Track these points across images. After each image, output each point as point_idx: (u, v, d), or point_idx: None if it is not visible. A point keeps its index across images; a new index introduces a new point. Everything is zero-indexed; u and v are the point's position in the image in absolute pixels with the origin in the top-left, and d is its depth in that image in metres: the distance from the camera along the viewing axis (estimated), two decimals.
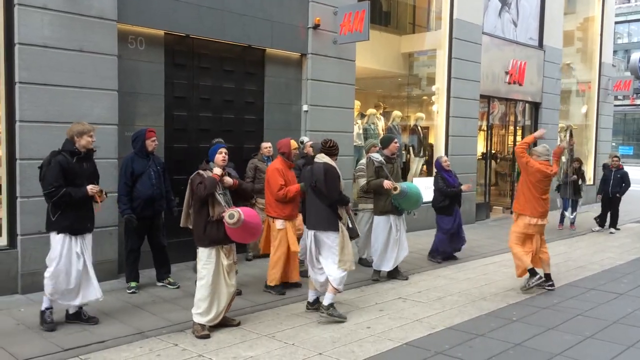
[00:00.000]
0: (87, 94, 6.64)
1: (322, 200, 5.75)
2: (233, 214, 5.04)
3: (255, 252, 8.24)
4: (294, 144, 6.65)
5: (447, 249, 8.64)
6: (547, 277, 7.12)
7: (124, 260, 6.76)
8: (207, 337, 5.15)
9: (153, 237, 6.66)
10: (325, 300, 5.75)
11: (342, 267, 5.72)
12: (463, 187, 8.54)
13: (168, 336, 5.19)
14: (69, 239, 5.19)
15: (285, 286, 6.65)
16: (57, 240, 5.18)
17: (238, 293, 5.96)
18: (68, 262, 5.19)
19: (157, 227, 6.67)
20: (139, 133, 6.54)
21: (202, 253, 5.26)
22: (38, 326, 5.24)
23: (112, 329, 5.29)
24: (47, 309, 5.27)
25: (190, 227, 5.53)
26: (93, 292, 5.35)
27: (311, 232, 5.84)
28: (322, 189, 5.73)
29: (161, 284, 6.77)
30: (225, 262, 5.30)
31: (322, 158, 5.91)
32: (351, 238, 5.97)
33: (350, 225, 5.94)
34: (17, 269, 6.24)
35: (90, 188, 5.20)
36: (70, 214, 5.17)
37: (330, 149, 5.97)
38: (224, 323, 5.42)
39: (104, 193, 5.35)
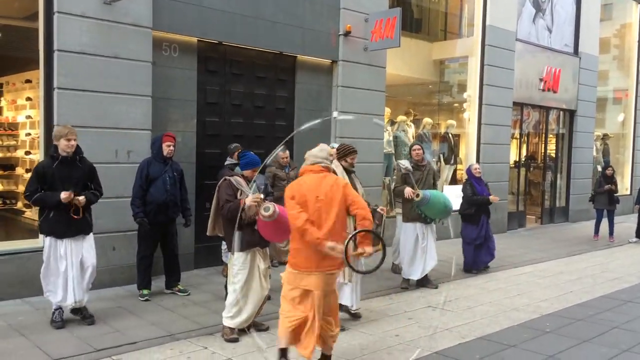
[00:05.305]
0: (122, 100, 6.78)
1: None
2: (268, 207, 5.01)
3: (279, 259, 8.30)
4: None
5: (476, 260, 8.43)
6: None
7: (136, 266, 6.58)
8: (235, 340, 5.17)
9: (166, 244, 6.59)
10: None
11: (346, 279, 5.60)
12: (491, 198, 8.32)
13: (197, 339, 5.23)
14: (54, 242, 5.31)
15: None
16: (45, 242, 5.36)
17: (267, 298, 5.96)
18: (54, 262, 5.32)
19: (171, 234, 6.60)
20: (157, 137, 6.53)
21: (238, 258, 5.24)
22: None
23: (143, 330, 5.37)
24: (56, 308, 5.44)
25: (220, 234, 5.51)
26: (70, 296, 5.38)
27: None
28: None
29: (170, 291, 6.67)
30: (262, 265, 5.31)
31: (336, 167, 5.84)
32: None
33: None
34: None
35: (64, 196, 5.15)
36: (51, 218, 5.26)
37: (338, 151, 5.90)
38: (254, 327, 5.44)
39: (75, 197, 5.25)
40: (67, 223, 5.31)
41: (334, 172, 5.73)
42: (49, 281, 5.38)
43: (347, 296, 5.80)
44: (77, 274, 5.38)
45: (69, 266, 5.36)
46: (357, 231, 4.21)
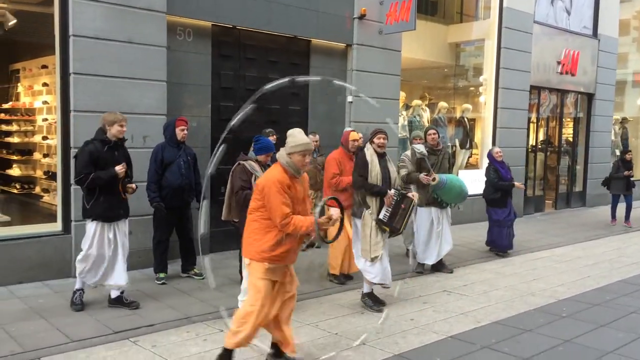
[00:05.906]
0: (136, 85, 6.80)
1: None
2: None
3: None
4: (353, 135, 6.62)
5: (503, 242, 8.40)
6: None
7: (152, 251, 6.64)
8: None
9: (181, 228, 6.62)
10: (364, 288, 5.88)
11: (363, 256, 5.71)
12: (516, 184, 8.30)
13: (214, 322, 5.28)
14: (101, 226, 5.35)
15: (345, 277, 6.72)
16: (91, 226, 5.35)
17: None
18: (100, 247, 5.36)
19: (186, 218, 6.63)
20: (170, 121, 6.53)
21: None
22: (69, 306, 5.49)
23: (161, 313, 5.43)
24: (77, 290, 5.51)
25: (235, 220, 5.53)
26: (116, 278, 5.49)
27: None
28: None
29: (186, 275, 6.72)
30: None
31: (367, 149, 5.87)
32: (392, 233, 5.81)
33: (380, 217, 5.66)
34: (71, 253, 6.46)
35: (119, 168, 5.29)
36: (102, 201, 5.29)
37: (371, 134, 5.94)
38: None
39: (132, 182, 5.51)
40: (118, 206, 5.42)
41: (364, 156, 5.74)
42: (88, 264, 5.37)
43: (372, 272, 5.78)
44: (122, 256, 5.49)
45: (117, 249, 5.45)
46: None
